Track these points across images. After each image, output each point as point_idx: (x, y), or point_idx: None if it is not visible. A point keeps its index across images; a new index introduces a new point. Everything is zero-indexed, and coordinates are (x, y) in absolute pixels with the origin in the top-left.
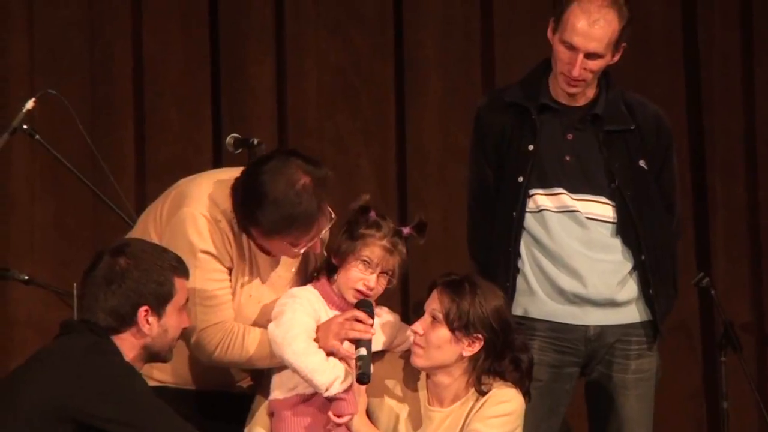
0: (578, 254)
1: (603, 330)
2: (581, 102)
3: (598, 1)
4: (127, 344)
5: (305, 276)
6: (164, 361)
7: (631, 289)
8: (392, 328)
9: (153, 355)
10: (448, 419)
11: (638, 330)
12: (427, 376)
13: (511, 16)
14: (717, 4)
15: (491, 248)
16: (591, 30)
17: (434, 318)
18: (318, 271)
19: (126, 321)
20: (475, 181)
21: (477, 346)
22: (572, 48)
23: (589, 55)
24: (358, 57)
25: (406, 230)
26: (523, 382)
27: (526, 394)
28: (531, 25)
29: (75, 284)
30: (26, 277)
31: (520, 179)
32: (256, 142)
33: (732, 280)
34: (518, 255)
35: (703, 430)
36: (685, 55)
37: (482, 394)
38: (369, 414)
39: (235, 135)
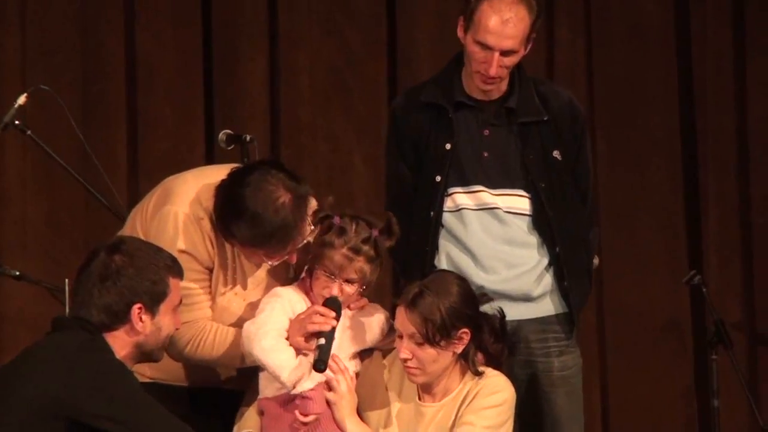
0: (497, 251)
1: (519, 324)
2: (495, 96)
3: None
4: (120, 342)
5: (290, 274)
6: (155, 360)
7: (546, 283)
8: (382, 326)
9: (145, 353)
10: (440, 413)
11: (555, 326)
12: None
13: None
14: (709, 1)
15: (409, 248)
16: (504, 28)
17: (416, 340)
18: (303, 270)
19: (119, 318)
20: (393, 182)
21: (466, 339)
22: (487, 47)
23: (504, 53)
24: (352, 54)
25: (374, 233)
26: (501, 339)
27: (509, 350)
28: None
29: (66, 280)
30: (17, 273)
31: (438, 179)
32: (248, 138)
33: (723, 278)
34: (435, 254)
35: (693, 428)
36: (677, 53)
37: (478, 374)
38: (360, 412)
39: (227, 131)
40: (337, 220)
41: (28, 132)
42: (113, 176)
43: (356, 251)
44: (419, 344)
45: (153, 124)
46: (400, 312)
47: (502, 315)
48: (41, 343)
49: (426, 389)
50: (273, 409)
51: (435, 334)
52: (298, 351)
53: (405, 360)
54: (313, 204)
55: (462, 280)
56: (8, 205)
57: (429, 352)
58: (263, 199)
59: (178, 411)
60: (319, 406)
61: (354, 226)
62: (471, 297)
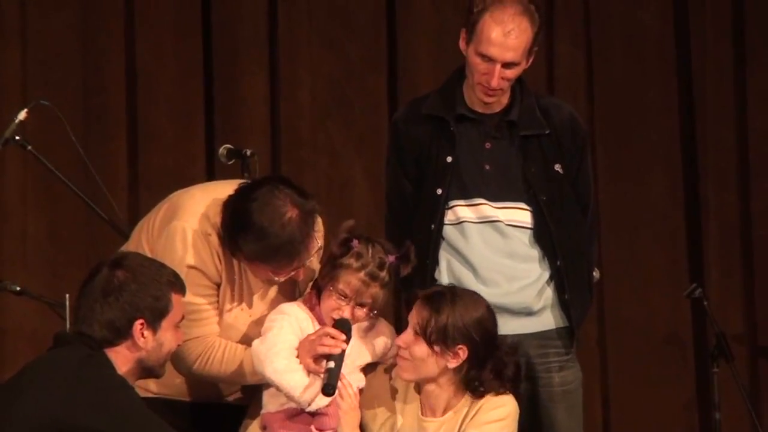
0: (498, 264)
1: (520, 340)
2: (496, 109)
3: (510, 9)
4: (121, 357)
5: (296, 291)
6: (156, 376)
7: (547, 296)
8: (386, 339)
9: (146, 369)
10: (442, 428)
11: (555, 341)
12: (420, 386)
13: None
14: (709, 15)
15: None
16: (506, 40)
17: (416, 332)
18: (310, 287)
19: (121, 333)
20: (393, 195)
21: (462, 357)
22: (489, 59)
23: (506, 65)
24: (352, 68)
25: (390, 258)
26: (514, 385)
27: (516, 397)
28: None
29: (67, 295)
30: (18, 288)
31: (439, 191)
32: (249, 153)
33: (724, 292)
34: (435, 267)
35: None
36: (678, 66)
37: (479, 396)
38: (363, 427)
39: (228, 146)
40: (356, 243)
41: (29, 147)
42: (113, 190)
43: (373, 277)
44: (417, 337)
45: (153, 137)
46: (416, 303)
47: (519, 366)
48: (42, 358)
49: (428, 405)
50: (278, 422)
51: (433, 332)
52: (308, 371)
53: (399, 347)
54: (319, 222)
55: (491, 315)
56: (9, 220)
57: (422, 348)
58: (270, 213)
59: (181, 426)
60: (336, 421)
61: (370, 251)
62: (488, 330)
